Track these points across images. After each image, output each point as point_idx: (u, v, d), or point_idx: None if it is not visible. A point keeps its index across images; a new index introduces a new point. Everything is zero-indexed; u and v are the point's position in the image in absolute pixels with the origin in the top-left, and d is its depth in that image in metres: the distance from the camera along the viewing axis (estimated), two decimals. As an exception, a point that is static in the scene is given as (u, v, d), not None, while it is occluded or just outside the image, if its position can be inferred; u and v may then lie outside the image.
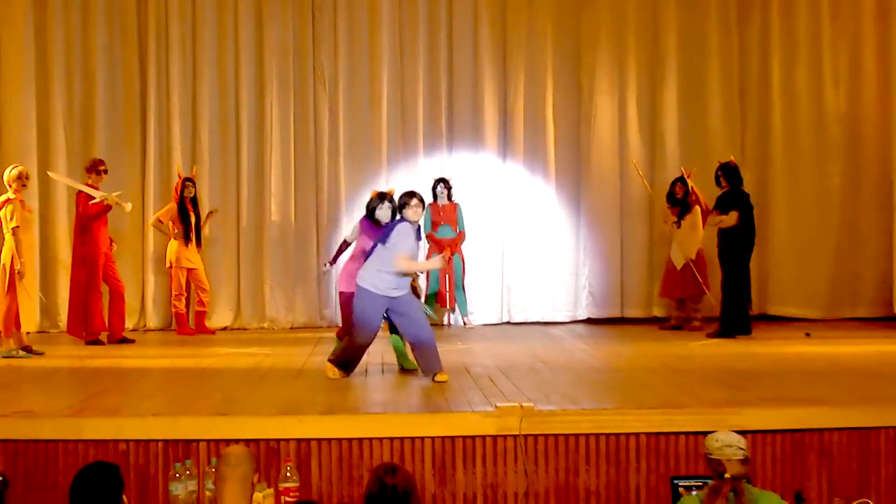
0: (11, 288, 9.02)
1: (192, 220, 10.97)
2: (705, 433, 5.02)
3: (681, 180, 11.27)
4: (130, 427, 5.85)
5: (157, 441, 5.80)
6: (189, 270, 10.98)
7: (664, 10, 12.21)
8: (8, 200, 9.10)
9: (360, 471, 5.77)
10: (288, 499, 5.58)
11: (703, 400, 6.46)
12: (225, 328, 11.65)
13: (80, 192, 10.08)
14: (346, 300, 7.87)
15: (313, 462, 5.82)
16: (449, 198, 11.60)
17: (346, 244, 8.60)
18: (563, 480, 5.86)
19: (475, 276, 11.88)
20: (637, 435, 5.90)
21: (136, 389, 7.25)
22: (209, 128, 11.81)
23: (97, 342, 9.95)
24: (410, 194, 7.32)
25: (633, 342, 10.10)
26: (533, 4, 12.13)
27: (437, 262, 7.94)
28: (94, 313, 10.00)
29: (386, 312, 7.39)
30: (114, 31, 11.71)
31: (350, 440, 5.83)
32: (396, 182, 10.82)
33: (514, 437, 5.82)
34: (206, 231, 11.34)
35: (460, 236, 11.61)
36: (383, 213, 7.89)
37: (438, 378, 7.18)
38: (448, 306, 11.61)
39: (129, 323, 11.03)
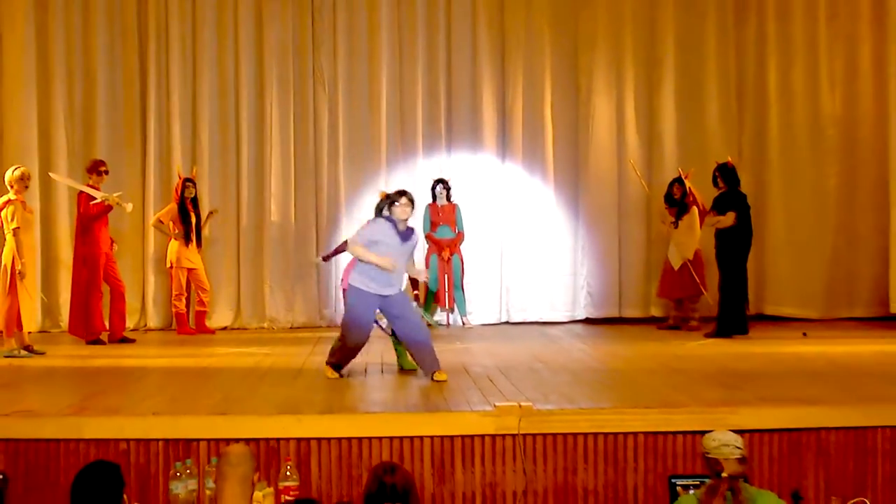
0: (13, 288, 9.02)
1: (193, 220, 10.98)
2: (703, 432, 5.02)
3: (678, 181, 11.29)
4: (131, 426, 5.85)
5: (157, 440, 5.80)
6: (189, 270, 11.00)
7: (662, 11, 12.24)
8: (9, 201, 9.11)
9: (360, 470, 5.77)
10: (288, 497, 5.58)
11: (700, 399, 6.46)
12: (225, 328, 11.67)
13: (81, 192, 10.08)
14: None
15: (313, 461, 5.83)
16: (448, 198, 11.62)
17: (345, 245, 8.62)
18: (562, 479, 5.87)
19: (474, 276, 11.90)
20: (635, 434, 5.91)
21: (136, 389, 7.26)
22: (209, 128, 11.84)
23: (98, 342, 9.96)
24: (401, 193, 7.32)
25: (631, 342, 10.11)
26: (531, 6, 12.16)
27: (386, 263, 7.14)
28: (94, 313, 10.02)
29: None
30: (114, 32, 11.74)
31: (349, 439, 5.84)
32: (396, 182, 10.84)
33: (513, 436, 5.82)
34: (206, 231, 11.35)
35: (459, 237, 11.63)
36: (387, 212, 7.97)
37: (437, 377, 7.20)
38: (447, 306, 11.63)
39: (130, 323, 11.05)
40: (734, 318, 10.18)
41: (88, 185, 10.13)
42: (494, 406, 6.02)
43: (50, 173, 11.06)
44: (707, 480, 4.71)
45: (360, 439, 5.84)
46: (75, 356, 9.20)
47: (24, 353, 9.03)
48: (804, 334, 10.37)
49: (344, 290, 8.16)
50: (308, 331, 11.25)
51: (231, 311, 11.86)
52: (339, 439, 5.85)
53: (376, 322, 7.63)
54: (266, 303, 11.83)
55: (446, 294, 11.53)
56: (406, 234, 7.30)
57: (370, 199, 10.26)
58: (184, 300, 11.06)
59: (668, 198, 11.37)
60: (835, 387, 7.02)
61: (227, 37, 11.87)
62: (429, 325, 11.44)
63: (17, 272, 9.00)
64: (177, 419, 5.96)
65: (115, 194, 10.13)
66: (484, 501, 5.87)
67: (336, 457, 5.84)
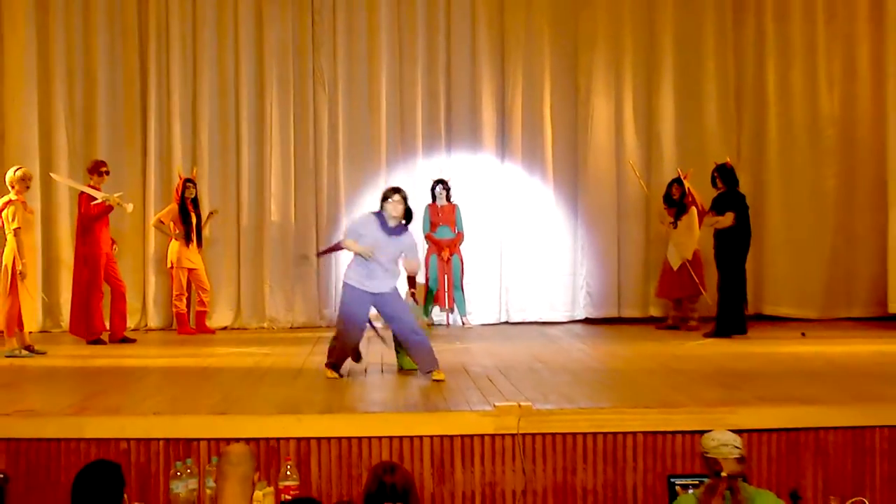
0: (13, 288, 9.03)
1: (193, 220, 11.00)
2: (702, 432, 5.03)
3: (677, 181, 11.31)
4: (132, 426, 5.87)
5: (157, 440, 5.81)
6: (190, 270, 11.02)
7: (661, 12, 12.25)
8: (10, 202, 9.11)
9: (360, 469, 5.79)
10: (287, 497, 5.59)
11: (699, 399, 6.48)
12: (225, 328, 11.68)
13: (81, 192, 10.10)
14: None
15: (313, 461, 5.84)
16: (448, 199, 11.64)
17: (340, 244, 8.63)
18: (561, 479, 5.89)
19: (474, 276, 11.91)
20: (634, 434, 5.92)
21: (137, 388, 7.28)
22: (209, 128, 11.85)
23: (99, 342, 9.98)
24: (394, 190, 7.38)
25: (630, 342, 10.13)
26: (530, 6, 12.17)
27: (366, 250, 7.20)
28: (94, 313, 10.04)
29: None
30: (115, 32, 11.75)
31: (349, 439, 5.85)
32: (396, 183, 10.82)
33: (513, 436, 5.84)
34: (206, 231, 11.36)
35: (459, 237, 11.65)
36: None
37: (434, 377, 7.22)
38: (447, 306, 11.65)
39: (131, 322, 11.06)
40: (733, 318, 10.20)
41: (89, 186, 10.14)
42: (494, 406, 6.03)
43: (51, 174, 11.08)
44: (706, 480, 4.71)
45: (359, 439, 5.85)
46: (76, 356, 9.21)
47: (25, 352, 9.04)
48: (803, 334, 10.38)
49: None
50: (308, 331, 11.26)
51: (231, 311, 11.87)
52: (339, 439, 5.86)
53: (370, 323, 7.64)
54: (266, 303, 11.84)
55: (446, 294, 11.56)
56: (395, 231, 7.30)
57: (370, 199, 10.31)
58: (184, 300, 11.07)
59: (667, 198, 11.39)
60: (833, 387, 7.03)
61: (228, 37, 11.88)
62: (429, 325, 11.53)
63: (18, 272, 9.01)
64: (177, 419, 5.98)
65: (115, 195, 10.15)
66: (483, 501, 5.88)
67: (336, 456, 5.85)
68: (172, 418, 5.98)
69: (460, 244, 11.68)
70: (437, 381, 7.17)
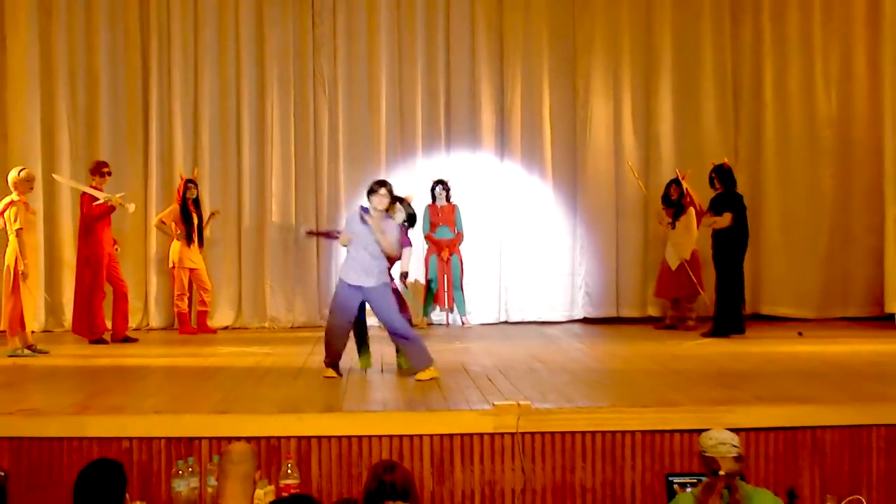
0: (16, 288, 9.06)
1: (195, 220, 11.02)
2: (700, 431, 5.04)
3: (676, 182, 11.34)
4: (133, 425, 5.91)
5: (159, 439, 5.85)
6: (191, 270, 11.04)
7: (658, 15, 12.28)
8: (12, 202, 9.13)
9: (360, 468, 5.81)
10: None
11: (697, 398, 6.51)
12: (226, 327, 11.71)
13: (83, 193, 10.14)
14: None
15: (313, 459, 5.88)
16: (447, 199, 11.68)
17: (335, 232, 8.66)
18: (560, 478, 5.91)
19: (473, 276, 11.94)
20: (632, 433, 5.96)
21: (138, 388, 7.32)
22: (210, 129, 11.88)
23: (101, 341, 10.00)
24: (380, 183, 7.51)
25: (629, 341, 10.16)
26: (529, 9, 12.20)
27: (343, 239, 7.59)
28: (97, 313, 10.06)
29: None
30: (116, 34, 11.77)
31: (349, 438, 5.88)
32: (396, 183, 10.83)
33: (512, 434, 5.87)
34: (207, 232, 11.38)
35: (458, 237, 11.68)
36: (396, 213, 8.18)
37: (419, 376, 7.25)
38: (447, 306, 11.69)
39: (133, 322, 11.08)
40: (731, 318, 10.23)
41: (91, 187, 10.17)
42: (493, 405, 6.07)
43: (53, 175, 11.11)
44: (704, 479, 4.73)
45: (360, 438, 5.89)
46: (78, 355, 9.25)
47: (27, 352, 9.06)
48: (800, 334, 10.41)
49: None
50: (308, 330, 11.26)
51: (232, 311, 11.90)
52: (340, 438, 5.89)
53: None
54: (267, 303, 11.87)
55: (445, 294, 11.59)
56: (388, 227, 7.41)
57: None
58: (186, 300, 11.10)
59: (666, 199, 11.42)
60: (830, 386, 7.07)
61: (229, 38, 11.91)
62: (429, 324, 11.58)
63: (21, 273, 9.03)
64: (179, 418, 6.01)
65: (117, 195, 10.18)
66: (483, 499, 5.91)
67: (336, 455, 5.88)
68: (174, 417, 6.01)
69: (460, 244, 11.72)
70: (420, 380, 7.20)
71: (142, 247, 11.76)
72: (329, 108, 12.02)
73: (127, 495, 4.63)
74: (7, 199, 9.20)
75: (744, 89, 12.39)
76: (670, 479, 5.66)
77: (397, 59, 12.11)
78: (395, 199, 8.31)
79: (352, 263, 7.40)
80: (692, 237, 11.08)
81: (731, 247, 10.19)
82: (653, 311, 12.11)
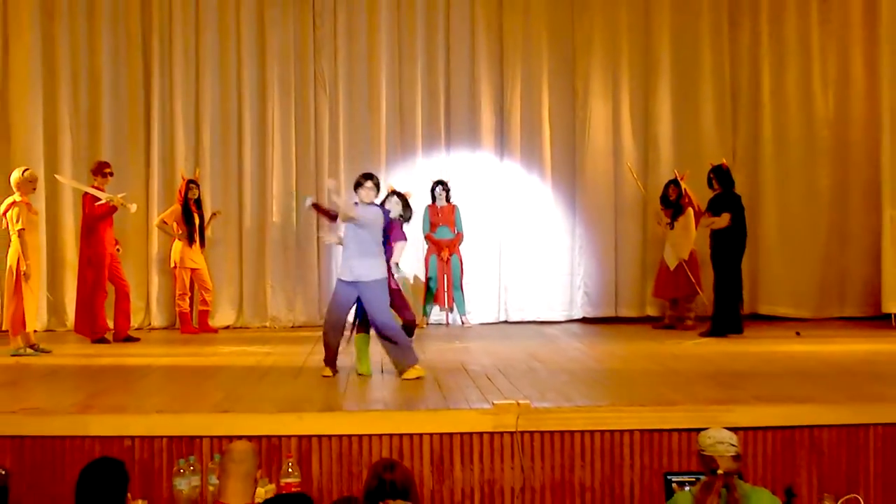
0: (18, 289, 9.09)
1: (196, 221, 11.06)
2: (698, 430, 5.07)
3: (674, 182, 11.37)
4: (135, 424, 5.93)
5: (161, 437, 5.87)
6: (193, 270, 11.07)
7: (657, 16, 12.32)
8: (14, 203, 9.16)
9: (360, 467, 5.84)
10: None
11: (695, 397, 6.54)
12: (227, 327, 11.74)
13: (86, 193, 10.16)
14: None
15: (314, 458, 5.90)
16: (447, 199, 11.71)
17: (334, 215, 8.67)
18: (559, 476, 5.94)
19: (473, 276, 11.97)
20: (631, 432, 5.98)
21: (140, 387, 7.35)
22: (212, 130, 11.91)
23: (103, 340, 10.03)
24: (366, 176, 7.56)
25: (627, 341, 10.18)
26: (528, 10, 12.23)
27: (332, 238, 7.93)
28: (99, 313, 10.09)
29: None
30: (118, 37, 11.81)
31: (350, 437, 5.91)
32: (396, 183, 10.87)
33: (511, 433, 5.89)
34: (209, 232, 11.40)
35: (458, 237, 11.72)
36: (390, 206, 8.27)
37: (404, 376, 7.29)
38: (447, 306, 11.72)
39: (135, 322, 11.09)
40: (729, 318, 10.26)
41: (93, 187, 10.20)
42: (493, 404, 6.08)
43: (55, 175, 11.13)
44: (702, 477, 4.75)
45: (360, 436, 5.91)
46: (81, 354, 9.28)
47: (30, 351, 9.09)
48: (797, 334, 10.43)
49: None
50: (308, 330, 11.26)
51: (233, 311, 11.94)
52: (340, 436, 5.91)
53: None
54: (268, 302, 11.90)
55: (445, 294, 11.62)
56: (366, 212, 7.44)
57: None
58: (187, 300, 11.13)
59: (664, 199, 11.45)
60: (827, 385, 7.09)
61: (230, 40, 11.94)
62: (428, 323, 11.59)
63: (22, 273, 9.06)
64: (180, 417, 6.03)
65: (119, 195, 10.21)
66: (482, 498, 5.93)
67: (336, 454, 5.91)
68: (175, 416, 6.04)
69: (460, 244, 11.75)
70: (406, 379, 7.24)
71: (143, 247, 11.79)
72: (330, 108, 12.05)
73: (129, 494, 4.68)
74: (9, 200, 9.24)
75: (742, 91, 12.42)
76: (669, 477, 5.66)
77: (397, 60, 12.14)
78: (394, 194, 8.36)
79: (346, 261, 7.46)
80: (690, 237, 11.11)
81: (729, 247, 10.22)
82: (651, 311, 12.14)
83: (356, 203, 7.50)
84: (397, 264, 8.16)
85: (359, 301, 7.48)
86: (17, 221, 9.09)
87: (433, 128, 12.22)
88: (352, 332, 7.71)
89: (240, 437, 5.29)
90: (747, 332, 10.35)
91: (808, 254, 12.11)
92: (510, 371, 7.78)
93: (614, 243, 12.33)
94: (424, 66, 12.19)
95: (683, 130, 12.35)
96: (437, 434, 5.93)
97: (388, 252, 8.04)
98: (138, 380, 7.68)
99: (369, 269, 7.39)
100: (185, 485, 5.70)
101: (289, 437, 5.90)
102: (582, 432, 5.97)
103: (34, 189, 9.52)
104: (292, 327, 11.79)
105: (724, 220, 10.20)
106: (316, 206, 8.75)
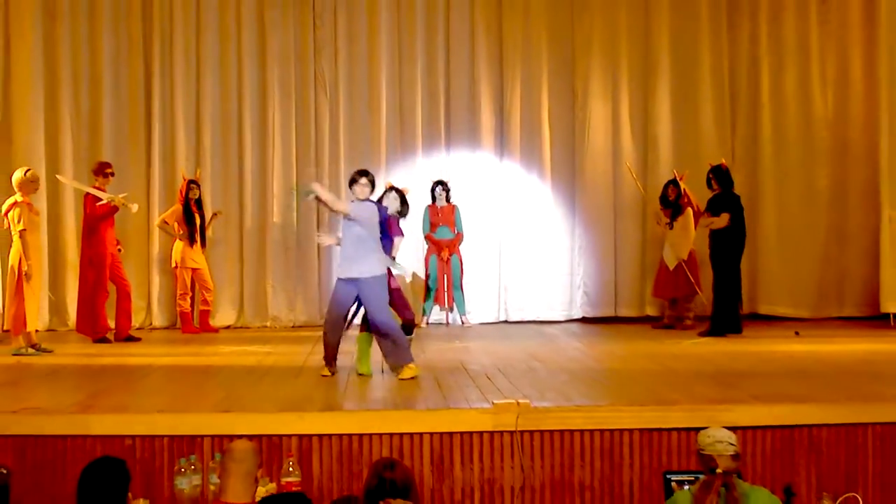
0: (20, 288, 9.11)
1: (197, 221, 11.08)
2: (697, 429, 5.10)
3: (673, 183, 11.38)
4: (136, 423, 5.95)
5: (162, 437, 5.89)
6: (194, 270, 11.10)
7: (656, 17, 12.33)
8: (16, 203, 9.18)
9: (360, 466, 5.86)
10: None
11: (694, 397, 6.55)
12: (228, 327, 11.75)
13: (87, 194, 10.18)
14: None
15: (314, 457, 5.92)
16: (447, 200, 11.73)
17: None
18: (559, 475, 5.96)
19: (473, 275, 12.00)
20: (630, 431, 6.00)
21: (141, 386, 7.38)
22: (212, 131, 11.93)
23: (104, 340, 10.05)
24: (360, 173, 7.58)
25: (627, 341, 10.20)
26: (528, 12, 12.25)
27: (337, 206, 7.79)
28: (100, 312, 10.11)
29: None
30: (120, 38, 11.83)
31: (350, 436, 5.93)
32: (395, 182, 10.88)
33: (511, 433, 5.91)
34: (209, 232, 11.42)
35: (458, 237, 11.74)
36: (389, 202, 8.31)
37: (400, 375, 7.31)
38: (447, 306, 11.75)
39: (136, 321, 11.12)
40: (728, 318, 10.28)
41: (94, 187, 10.21)
42: (492, 403, 6.10)
43: (57, 175, 11.15)
44: (701, 476, 4.77)
45: (360, 436, 5.93)
46: (82, 354, 9.30)
47: (31, 350, 9.11)
48: (796, 333, 10.44)
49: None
50: (309, 330, 11.26)
51: (234, 311, 11.96)
52: (340, 436, 5.93)
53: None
54: (268, 302, 11.93)
55: (445, 294, 11.65)
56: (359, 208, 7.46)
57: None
58: (188, 299, 11.15)
59: (664, 199, 11.46)
60: (826, 385, 7.11)
61: (230, 41, 11.96)
62: (428, 323, 11.61)
63: (24, 273, 9.08)
64: (181, 416, 6.05)
65: (120, 195, 10.24)
66: (482, 497, 5.95)
67: (337, 453, 5.93)
68: (176, 415, 6.06)
69: (460, 244, 11.77)
70: (403, 379, 7.25)
71: (145, 247, 11.82)
72: (330, 109, 12.07)
73: (130, 493, 4.68)
74: (11, 200, 9.26)
75: (741, 91, 12.44)
76: (668, 476, 5.67)
77: (397, 61, 12.16)
78: (392, 189, 8.38)
79: (344, 258, 7.49)
80: (690, 237, 11.12)
81: (728, 247, 10.25)
82: (651, 311, 12.16)
83: (352, 201, 7.52)
84: (394, 258, 8.17)
85: (359, 299, 7.50)
86: (19, 222, 9.11)
87: (433, 128, 12.24)
88: (351, 328, 7.73)
89: (241, 437, 5.30)
90: (746, 331, 10.37)
91: (806, 254, 12.13)
92: (510, 371, 7.79)
93: (614, 243, 12.35)
94: (424, 68, 12.21)
95: (683, 131, 12.37)
96: (437, 433, 5.95)
97: (388, 248, 8.04)
98: (139, 379, 7.70)
99: (367, 266, 7.40)
100: (186, 484, 5.73)
101: (289, 436, 5.92)
102: (581, 431, 5.98)
103: (36, 189, 9.55)
104: (293, 327, 11.81)
105: (723, 221, 10.22)
106: (318, 199, 8.76)
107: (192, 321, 11.20)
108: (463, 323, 11.81)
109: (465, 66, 12.23)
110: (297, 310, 11.97)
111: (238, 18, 11.93)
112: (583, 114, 12.30)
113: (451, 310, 11.82)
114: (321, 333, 7.80)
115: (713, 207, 10.34)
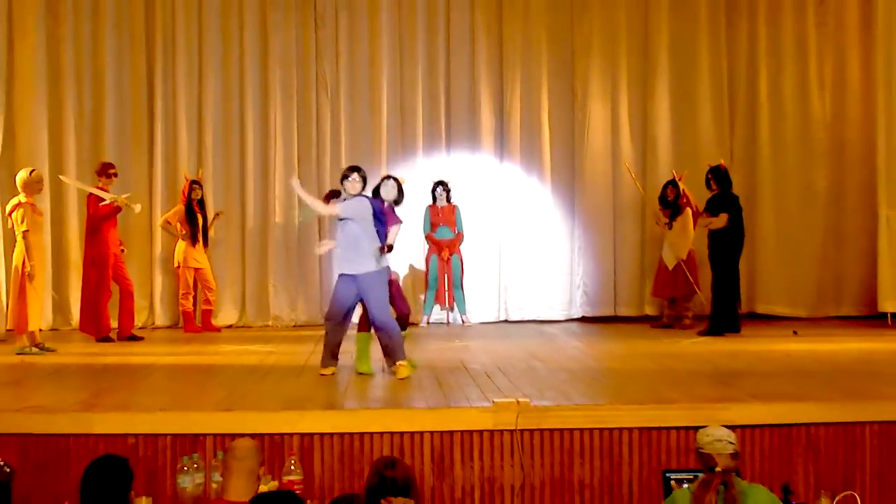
0: (23, 288, 9.13)
1: (199, 221, 11.10)
2: (696, 428, 5.12)
3: (672, 183, 11.41)
4: (139, 421, 5.98)
5: (165, 435, 5.92)
6: (196, 270, 11.12)
7: (655, 19, 12.36)
8: (19, 204, 9.20)
9: (361, 464, 5.89)
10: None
11: (693, 396, 6.57)
12: (230, 326, 11.77)
13: (90, 194, 10.20)
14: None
15: (316, 456, 5.95)
16: (448, 200, 11.76)
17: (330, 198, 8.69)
18: (558, 474, 5.98)
19: (473, 275, 12.02)
20: (630, 430, 6.02)
21: (144, 385, 7.40)
22: (215, 132, 11.96)
23: (107, 339, 10.07)
24: (352, 169, 7.64)
25: (626, 340, 10.22)
26: (528, 13, 12.27)
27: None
28: (102, 312, 10.12)
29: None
30: (122, 39, 11.85)
31: (351, 434, 5.96)
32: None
33: (511, 431, 5.93)
34: (212, 232, 11.43)
35: (459, 237, 11.77)
36: (387, 191, 8.23)
37: (398, 373, 7.33)
38: (447, 305, 11.78)
39: (138, 321, 11.15)
40: (726, 317, 10.30)
41: (97, 187, 10.23)
42: (492, 402, 6.12)
43: (60, 176, 11.16)
44: (700, 475, 4.78)
45: (361, 434, 5.96)
46: (85, 353, 9.31)
47: (35, 350, 9.13)
48: (795, 332, 10.46)
49: None
50: (310, 329, 11.28)
51: (236, 310, 11.98)
52: (342, 434, 5.96)
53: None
54: (270, 302, 11.95)
55: (446, 293, 11.68)
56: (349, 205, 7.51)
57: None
58: (191, 299, 11.18)
59: (663, 199, 11.49)
60: (824, 384, 7.12)
61: (233, 43, 11.98)
62: (429, 322, 11.63)
63: (27, 273, 9.10)
64: (184, 415, 6.08)
65: (123, 196, 10.27)
66: (482, 495, 5.97)
67: (338, 451, 5.96)
68: (179, 414, 6.08)
69: (460, 244, 11.80)
70: (402, 379, 7.26)
71: (147, 247, 11.84)
72: (331, 110, 12.09)
73: (133, 491, 4.72)
74: (15, 201, 9.28)
75: (739, 92, 12.47)
76: (667, 475, 5.70)
77: (398, 63, 12.19)
78: (390, 178, 8.38)
79: (342, 254, 7.51)
80: (689, 237, 11.15)
81: (727, 247, 10.27)
82: (650, 311, 12.19)
83: (343, 198, 7.55)
84: (391, 246, 8.21)
85: (360, 295, 7.53)
86: (22, 223, 9.12)
87: (434, 129, 12.27)
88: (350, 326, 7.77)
89: (243, 435, 5.32)
90: (745, 331, 10.39)
91: (804, 253, 12.16)
92: (510, 369, 7.81)
93: (613, 243, 12.38)
94: (425, 69, 12.24)
95: (681, 131, 12.39)
96: (437, 432, 5.98)
97: (383, 237, 8.00)
98: (142, 378, 7.73)
99: (365, 261, 7.44)
100: (188, 482, 5.75)
101: (291, 434, 5.95)
102: (581, 430, 6.01)
103: (40, 189, 9.58)
104: (294, 326, 11.83)
105: (721, 221, 10.25)
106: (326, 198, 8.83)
107: (194, 321, 11.23)
108: (463, 322, 11.84)
109: (466, 67, 12.26)
110: (299, 309, 12.00)
111: (240, 20, 11.96)
112: (582, 114, 12.33)
113: (452, 309, 11.86)
114: (322, 334, 7.81)
115: (712, 208, 10.37)
